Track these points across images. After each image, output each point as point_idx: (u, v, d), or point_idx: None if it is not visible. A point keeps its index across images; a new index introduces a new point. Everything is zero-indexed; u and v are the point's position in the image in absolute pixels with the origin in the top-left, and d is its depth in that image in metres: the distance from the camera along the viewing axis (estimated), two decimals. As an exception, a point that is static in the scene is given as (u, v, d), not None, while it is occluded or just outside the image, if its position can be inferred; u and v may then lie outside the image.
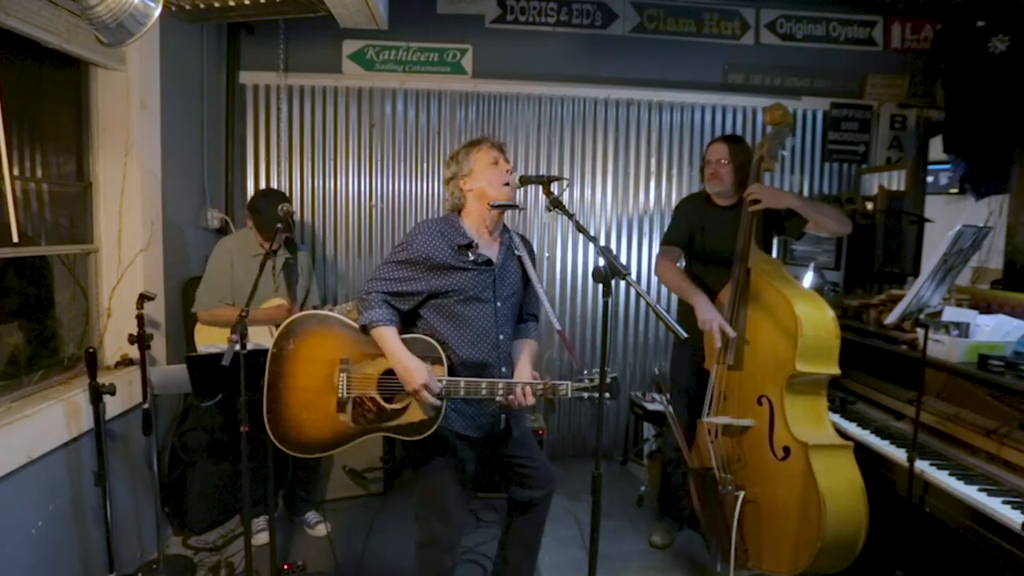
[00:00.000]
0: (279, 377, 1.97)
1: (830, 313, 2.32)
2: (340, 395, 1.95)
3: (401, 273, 1.93)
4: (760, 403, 2.38)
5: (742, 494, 2.36)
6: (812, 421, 2.31)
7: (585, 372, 1.88)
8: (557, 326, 2.02)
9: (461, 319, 1.95)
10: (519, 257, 2.08)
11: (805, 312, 2.27)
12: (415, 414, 1.93)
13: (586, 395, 1.85)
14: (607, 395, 1.71)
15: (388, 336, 1.88)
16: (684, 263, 2.92)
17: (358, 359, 1.97)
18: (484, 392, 1.90)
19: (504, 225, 2.08)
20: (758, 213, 2.51)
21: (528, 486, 2.15)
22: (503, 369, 2.01)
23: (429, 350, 1.92)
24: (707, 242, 2.77)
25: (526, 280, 2.10)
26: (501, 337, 2.00)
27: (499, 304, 1.99)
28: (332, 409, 1.96)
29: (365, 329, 1.92)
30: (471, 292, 1.94)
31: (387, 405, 1.95)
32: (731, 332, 2.43)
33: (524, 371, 2.03)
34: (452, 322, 1.95)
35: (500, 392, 1.89)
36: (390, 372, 1.93)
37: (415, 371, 1.84)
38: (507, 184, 1.96)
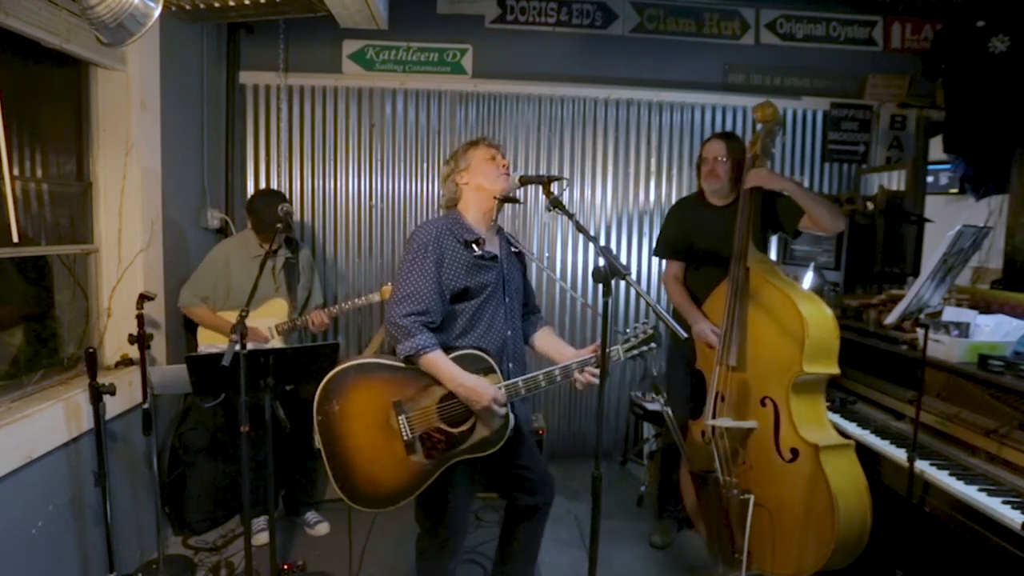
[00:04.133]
0: (335, 442, 1.90)
1: (829, 312, 2.32)
2: (405, 438, 1.90)
3: (424, 286, 1.86)
4: (763, 404, 2.37)
5: (752, 498, 2.29)
6: (816, 422, 2.31)
7: (628, 330, 1.88)
8: (580, 298, 2.03)
9: (477, 319, 1.94)
10: (516, 253, 2.10)
11: (809, 312, 2.27)
12: (484, 429, 1.90)
13: (636, 351, 1.86)
14: (654, 344, 1.87)
15: (440, 361, 1.85)
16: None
17: (410, 396, 1.91)
18: (543, 384, 1.89)
19: (498, 225, 2.09)
20: (756, 203, 2.51)
21: (531, 491, 2.14)
22: (510, 365, 2.00)
23: (478, 362, 1.89)
24: (701, 243, 2.77)
25: (523, 277, 2.14)
26: (509, 333, 2.00)
27: (507, 300, 2.01)
28: (402, 454, 1.90)
29: (410, 359, 1.86)
30: (488, 290, 1.94)
31: (454, 430, 1.91)
32: (714, 340, 2.52)
33: (566, 352, 2.04)
34: (469, 323, 1.94)
35: (558, 377, 1.89)
36: (446, 398, 1.90)
37: (480, 389, 1.83)
38: (505, 176, 1.98)
